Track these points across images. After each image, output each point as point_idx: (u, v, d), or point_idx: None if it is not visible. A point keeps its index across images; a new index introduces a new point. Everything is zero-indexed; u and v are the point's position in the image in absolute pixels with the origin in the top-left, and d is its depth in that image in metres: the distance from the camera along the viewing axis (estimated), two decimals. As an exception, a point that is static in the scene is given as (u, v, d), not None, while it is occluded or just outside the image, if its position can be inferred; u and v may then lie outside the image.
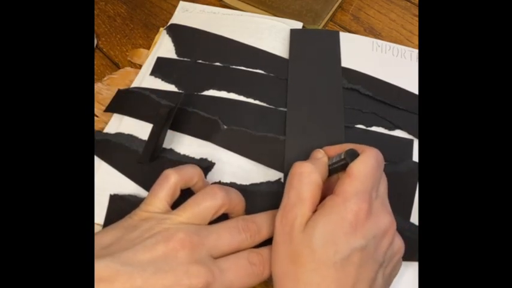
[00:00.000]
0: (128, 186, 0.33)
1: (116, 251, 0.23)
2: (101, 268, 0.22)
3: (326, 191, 0.26)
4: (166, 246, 0.23)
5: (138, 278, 0.22)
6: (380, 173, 0.26)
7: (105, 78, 0.41)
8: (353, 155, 0.26)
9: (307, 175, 0.25)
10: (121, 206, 0.32)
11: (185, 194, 0.28)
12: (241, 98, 0.37)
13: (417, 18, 0.46)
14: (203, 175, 0.29)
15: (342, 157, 0.26)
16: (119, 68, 0.43)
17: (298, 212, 0.24)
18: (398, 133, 0.36)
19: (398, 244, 0.26)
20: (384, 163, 0.27)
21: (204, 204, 0.26)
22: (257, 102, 0.37)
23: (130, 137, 0.35)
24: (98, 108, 0.38)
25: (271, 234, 0.27)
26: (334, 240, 0.23)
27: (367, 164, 0.25)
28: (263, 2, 0.46)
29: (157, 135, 0.34)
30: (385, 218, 0.25)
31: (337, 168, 0.27)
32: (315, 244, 0.23)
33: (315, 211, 0.25)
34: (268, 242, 0.27)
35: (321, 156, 0.28)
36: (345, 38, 0.41)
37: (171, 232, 0.24)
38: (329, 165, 0.28)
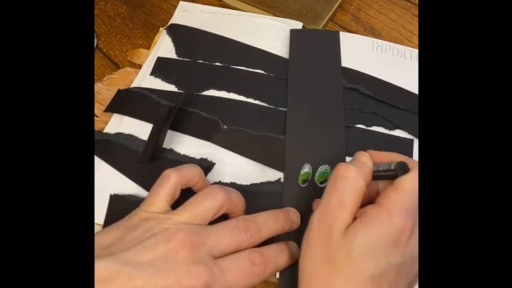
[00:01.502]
0: (128, 186, 0.33)
1: (116, 252, 0.23)
2: (101, 268, 0.22)
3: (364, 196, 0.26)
4: (166, 246, 0.23)
5: (138, 278, 0.22)
6: None
7: (105, 78, 0.41)
8: (404, 169, 0.25)
9: (352, 180, 0.25)
10: (121, 206, 0.32)
11: (186, 194, 0.28)
12: (241, 98, 0.37)
13: (417, 18, 0.46)
14: (203, 175, 0.29)
15: (392, 167, 0.26)
16: (119, 68, 0.43)
17: (338, 215, 0.24)
18: (399, 133, 0.36)
19: None
20: None
21: (205, 205, 0.26)
22: (257, 102, 0.37)
23: (131, 137, 0.35)
24: (98, 108, 0.38)
25: (272, 234, 0.27)
26: (374, 253, 0.23)
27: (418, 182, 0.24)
28: (263, 2, 0.46)
29: (157, 135, 0.34)
30: None
31: (383, 177, 0.26)
32: (354, 252, 0.23)
33: (354, 217, 0.24)
34: (269, 241, 0.27)
35: (367, 161, 0.27)
36: (345, 38, 0.41)
37: (172, 232, 0.24)
38: (374, 171, 0.27)
